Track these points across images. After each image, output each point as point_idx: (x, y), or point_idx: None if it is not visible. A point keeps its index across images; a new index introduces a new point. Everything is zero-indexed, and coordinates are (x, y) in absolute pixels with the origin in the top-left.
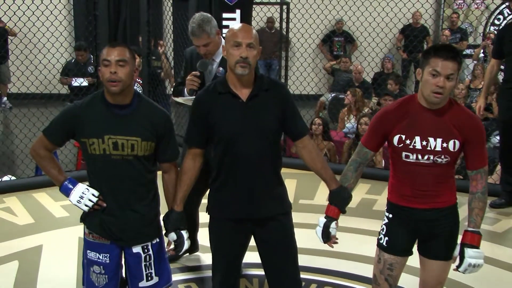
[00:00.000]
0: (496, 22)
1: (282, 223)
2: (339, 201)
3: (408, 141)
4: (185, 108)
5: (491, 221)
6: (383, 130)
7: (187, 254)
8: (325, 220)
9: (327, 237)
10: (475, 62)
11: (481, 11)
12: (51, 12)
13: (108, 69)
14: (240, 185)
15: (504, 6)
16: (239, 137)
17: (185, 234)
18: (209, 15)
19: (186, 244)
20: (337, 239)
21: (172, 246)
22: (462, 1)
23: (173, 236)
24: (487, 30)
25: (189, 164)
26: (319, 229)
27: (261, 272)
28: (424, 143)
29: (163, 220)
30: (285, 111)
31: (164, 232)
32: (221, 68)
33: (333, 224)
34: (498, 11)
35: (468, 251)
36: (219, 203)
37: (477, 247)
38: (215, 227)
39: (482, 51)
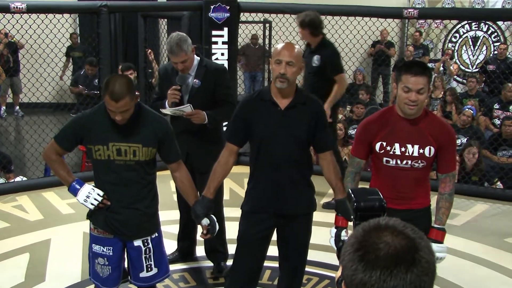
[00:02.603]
0: (453, 39)
1: (302, 223)
2: (344, 211)
3: (388, 148)
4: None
5: (451, 216)
6: (367, 139)
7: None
8: (335, 230)
9: None
10: (435, 75)
11: (440, 29)
12: (59, 30)
13: (114, 115)
14: (268, 182)
15: (459, 25)
16: (271, 139)
17: (214, 217)
18: (185, 34)
19: (217, 226)
20: None
21: (205, 231)
22: (423, 21)
23: (206, 221)
24: (446, 47)
25: (225, 158)
26: (332, 240)
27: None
28: (403, 149)
29: (192, 209)
30: (316, 125)
31: (196, 219)
32: (196, 80)
33: (343, 233)
34: (454, 30)
35: (433, 246)
36: (251, 197)
37: (441, 242)
38: (243, 220)
39: (441, 65)
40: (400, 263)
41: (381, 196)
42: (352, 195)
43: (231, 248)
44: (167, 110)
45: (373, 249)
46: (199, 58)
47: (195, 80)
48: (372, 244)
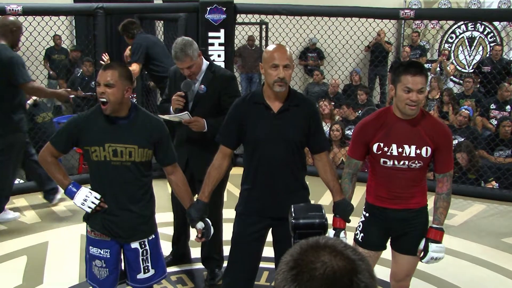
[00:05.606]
0: (450, 40)
1: None
2: (342, 212)
3: (386, 149)
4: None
5: (448, 216)
6: (364, 140)
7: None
8: (334, 232)
9: None
10: (432, 75)
11: (437, 30)
12: (55, 32)
13: (99, 89)
14: (262, 185)
15: (456, 26)
16: (264, 143)
17: (209, 221)
18: (191, 39)
19: (212, 230)
20: None
21: (199, 235)
22: (420, 22)
23: (201, 224)
24: (442, 47)
25: (219, 161)
26: None
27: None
28: (400, 150)
29: (187, 212)
30: (310, 127)
31: (190, 223)
32: (202, 86)
33: (342, 234)
34: (451, 30)
35: (432, 246)
36: (245, 199)
37: (440, 242)
38: (237, 222)
39: (438, 65)
40: (336, 285)
41: (323, 213)
42: (292, 211)
43: (227, 250)
44: (167, 117)
45: (309, 269)
46: (208, 63)
47: (201, 85)
48: (308, 264)
